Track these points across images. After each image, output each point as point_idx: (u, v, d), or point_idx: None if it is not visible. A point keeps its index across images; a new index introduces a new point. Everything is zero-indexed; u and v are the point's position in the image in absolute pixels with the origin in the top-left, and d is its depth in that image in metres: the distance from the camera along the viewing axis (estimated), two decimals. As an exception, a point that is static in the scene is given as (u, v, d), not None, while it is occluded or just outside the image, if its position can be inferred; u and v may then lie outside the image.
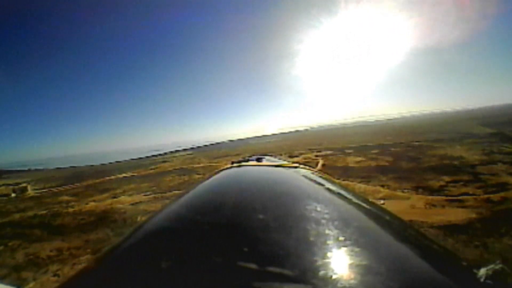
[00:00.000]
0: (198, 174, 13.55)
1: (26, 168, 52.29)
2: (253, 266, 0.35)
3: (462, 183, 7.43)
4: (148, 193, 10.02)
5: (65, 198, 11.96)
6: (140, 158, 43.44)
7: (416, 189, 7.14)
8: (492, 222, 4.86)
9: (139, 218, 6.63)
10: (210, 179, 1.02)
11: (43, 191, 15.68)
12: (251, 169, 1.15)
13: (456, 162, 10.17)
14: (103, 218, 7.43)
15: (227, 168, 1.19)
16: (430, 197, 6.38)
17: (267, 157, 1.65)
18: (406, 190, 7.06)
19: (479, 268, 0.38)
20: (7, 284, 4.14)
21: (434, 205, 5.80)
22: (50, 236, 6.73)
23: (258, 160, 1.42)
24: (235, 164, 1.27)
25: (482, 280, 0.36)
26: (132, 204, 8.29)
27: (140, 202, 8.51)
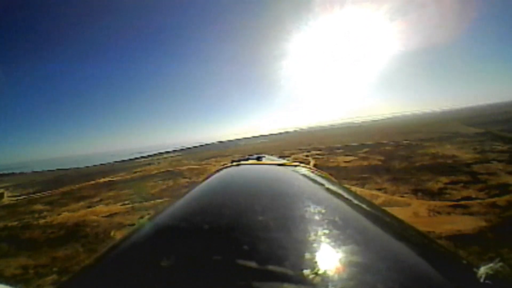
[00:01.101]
0: (184, 177, 12.73)
1: (10, 172, 50.32)
2: (255, 265, 0.34)
3: (461, 184, 7.06)
4: (126, 202, 9.22)
5: (39, 207, 11.04)
6: (127, 160, 42.22)
7: (415, 192, 6.69)
8: (503, 230, 4.43)
9: (112, 233, 5.96)
10: (211, 178, 0.99)
11: (19, 198, 14.67)
12: (251, 168, 1.13)
13: (450, 161, 9.89)
14: (74, 232, 6.66)
15: (227, 167, 1.17)
16: (433, 202, 5.93)
17: (266, 156, 1.51)
18: (405, 194, 6.60)
19: (479, 267, 0.35)
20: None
21: (438, 212, 5.35)
22: (18, 252, 6.16)
23: (258, 159, 1.36)
24: (235, 163, 1.23)
25: (482, 279, 0.34)
26: (107, 216, 7.51)
27: (116, 213, 7.72)
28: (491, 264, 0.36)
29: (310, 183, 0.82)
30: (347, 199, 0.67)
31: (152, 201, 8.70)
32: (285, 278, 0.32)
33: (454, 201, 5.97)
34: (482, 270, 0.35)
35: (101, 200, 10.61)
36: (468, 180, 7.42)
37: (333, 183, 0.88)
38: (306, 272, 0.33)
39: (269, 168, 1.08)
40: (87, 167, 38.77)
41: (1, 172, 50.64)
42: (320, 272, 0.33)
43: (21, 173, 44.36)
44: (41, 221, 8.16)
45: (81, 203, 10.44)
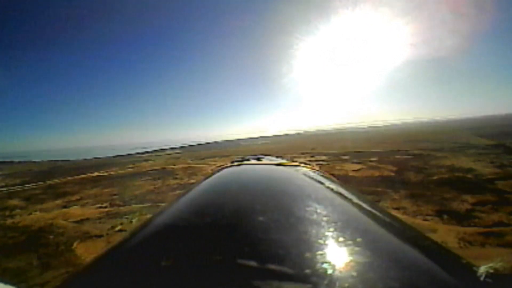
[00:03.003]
0: (175, 178, 11.83)
1: (9, 160, 50.38)
2: (258, 265, 0.35)
3: (490, 205, 6.06)
4: (104, 204, 8.30)
5: (15, 202, 10.15)
6: (126, 155, 41.70)
7: (439, 214, 5.66)
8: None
9: (74, 245, 5.04)
10: (212, 178, 0.99)
11: (1, 190, 13.80)
12: (252, 168, 1.12)
13: (469, 176, 8.88)
14: (36, 239, 5.72)
15: (228, 167, 1.17)
16: (462, 228, 4.92)
17: (266, 157, 1.56)
18: (428, 217, 5.58)
19: (479, 266, 0.36)
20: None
21: (469, 242, 4.37)
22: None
23: (258, 159, 1.36)
24: (236, 163, 1.23)
25: (482, 278, 0.36)
26: (77, 222, 6.57)
27: (88, 219, 6.77)
28: (491, 264, 0.36)
29: (312, 182, 0.81)
30: (349, 198, 0.67)
31: (131, 206, 7.75)
32: (288, 278, 0.31)
33: (485, 227, 4.99)
34: (483, 270, 0.36)
35: (80, 198, 9.69)
36: (496, 200, 6.41)
37: (334, 182, 0.90)
38: (309, 272, 0.32)
39: (271, 168, 1.07)
40: (85, 159, 38.44)
41: (1, 160, 50.48)
42: (323, 272, 0.33)
43: (19, 162, 43.97)
44: (8, 221, 7.26)
45: (58, 201, 9.50)
